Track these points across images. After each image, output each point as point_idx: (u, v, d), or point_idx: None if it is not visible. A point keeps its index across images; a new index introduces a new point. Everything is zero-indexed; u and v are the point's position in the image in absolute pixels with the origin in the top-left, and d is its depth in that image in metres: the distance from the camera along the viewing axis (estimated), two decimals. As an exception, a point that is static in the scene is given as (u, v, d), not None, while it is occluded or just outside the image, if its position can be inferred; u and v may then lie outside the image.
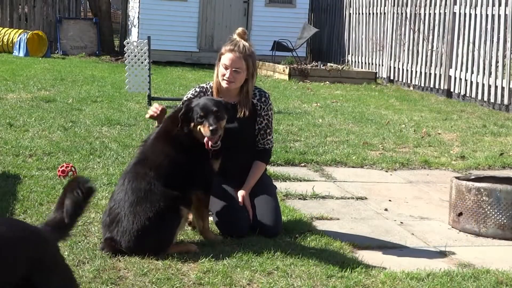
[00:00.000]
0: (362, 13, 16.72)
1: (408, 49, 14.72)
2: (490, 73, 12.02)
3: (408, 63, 14.71)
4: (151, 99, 10.04)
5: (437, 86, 13.63)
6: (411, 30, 14.61)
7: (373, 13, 16.22)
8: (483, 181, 5.18)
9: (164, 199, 4.14)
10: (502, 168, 7.20)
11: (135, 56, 10.08)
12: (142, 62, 10.09)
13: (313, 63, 16.65)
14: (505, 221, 4.91)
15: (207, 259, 4.04)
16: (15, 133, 7.45)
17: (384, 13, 15.70)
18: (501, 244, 4.86)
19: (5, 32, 18.03)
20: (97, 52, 18.99)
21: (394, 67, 15.26)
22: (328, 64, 16.52)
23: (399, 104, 11.98)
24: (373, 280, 3.92)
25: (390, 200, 5.88)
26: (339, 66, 16.14)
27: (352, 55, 17.24)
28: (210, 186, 4.45)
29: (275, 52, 16.47)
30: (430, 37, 13.93)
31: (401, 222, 5.25)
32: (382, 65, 15.71)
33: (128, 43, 10.20)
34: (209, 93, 4.74)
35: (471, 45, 12.59)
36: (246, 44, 4.66)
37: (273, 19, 17.91)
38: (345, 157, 7.22)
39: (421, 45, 14.27)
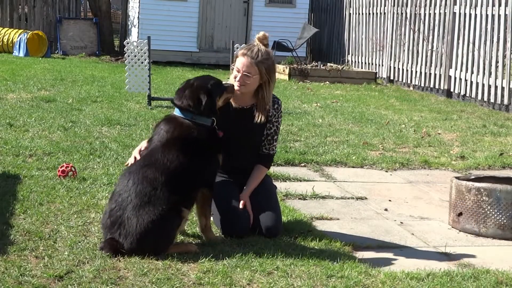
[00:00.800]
0: (362, 13, 16.72)
1: (408, 49, 14.72)
2: (490, 73, 12.02)
3: (408, 63, 14.71)
4: (151, 99, 10.05)
5: (437, 86, 13.63)
6: (411, 30, 14.61)
7: (373, 13, 16.22)
8: (483, 181, 5.18)
9: (167, 203, 4.13)
10: (502, 168, 7.20)
11: (135, 56, 10.08)
12: (142, 62, 10.09)
13: (313, 63, 16.65)
14: (505, 221, 4.91)
15: (207, 259, 4.04)
16: (15, 133, 7.45)
17: (384, 13, 15.70)
18: (501, 244, 4.87)
19: (5, 32, 18.02)
20: (97, 52, 18.99)
21: (394, 67, 15.26)
22: (328, 64, 16.52)
23: (399, 104, 11.98)
24: (373, 280, 3.93)
25: (390, 200, 5.88)
26: (339, 66, 16.14)
27: (352, 55, 17.24)
28: (214, 182, 4.48)
29: (275, 52, 16.40)
30: (430, 37, 13.93)
31: (401, 222, 5.26)
32: (382, 65, 15.71)
33: (128, 43, 10.19)
34: None
35: (471, 45, 12.59)
36: (263, 49, 4.63)
37: (273, 19, 17.90)
38: (345, 157, 7.22)
39: (421, 45, 14.27)
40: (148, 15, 17.49)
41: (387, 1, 15.57)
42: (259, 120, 4.64)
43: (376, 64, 15.99)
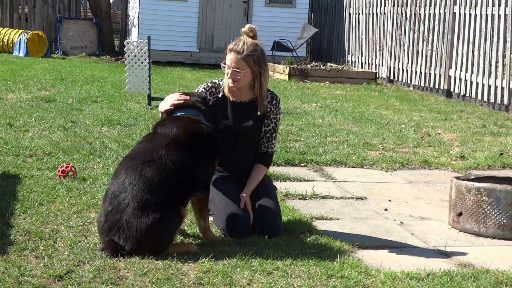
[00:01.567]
0: (362, 13, 16.73)
1: (408, 49, 14.73)
2: (490, 73, 12.02)
3: (408, 63, 14.71)
4: (151, 99, 10.04)
5: (437, 86, 13.63)
6: (411, 30, 14.61)
7: (373, 13, 16.22)
8: (483, 181, 5.19)
9: (166, 203, 4.10)
10: (502, 168, 7.20)
11: (135, 56, 10.08)
12: (142, 62, 10.09)
13: (313, 63, 16.65)
14: (505, 221, 4.91)
15: (207, 259, 4.04)
16: (15, 133, 7.45)
17: (384, 13, 15.70)
18: (501, 244, 4.87)
19: (5, 32, 18.02)
20: (97, 52, 18.98)
21: (394, 67, 15.26)
22: (328, 64, 16.53)
23: (399, 104, 11.98)
24: (373, 280, 3.93)
25: (390, 200, 5.88)
26: (339, 66, 16.14)
27: (352, 55, 17.24)
28: (209, 185, 4.47)
29: (275, 52, 16.47)
30: (430, 37, 13.93)
31: (401, 222, 5.26)
32: (382, 65, 15.71)
33: (128, 43, 10.19)
34: (220, 88, 4.74)
35: (471, 45, 12.59)
36: (249, 42, 4.61)
37: (273, 19, 17.90)
38: (345, 157, 7.22)
39: (421, 45, 14.27)
40: (148, 15, 17.49)
41: (387, 1, 15.57)
42: (259, 112, 4.65)
43: (376, 64, 15.99)
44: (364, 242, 4.65)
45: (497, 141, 8.65)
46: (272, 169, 6.35)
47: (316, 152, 7.39)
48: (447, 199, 5.47)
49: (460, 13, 12.95)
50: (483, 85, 12.16)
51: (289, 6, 18.25)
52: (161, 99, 10.30)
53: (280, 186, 5.83)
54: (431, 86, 13.81)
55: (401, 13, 15.00)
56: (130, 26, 19.00)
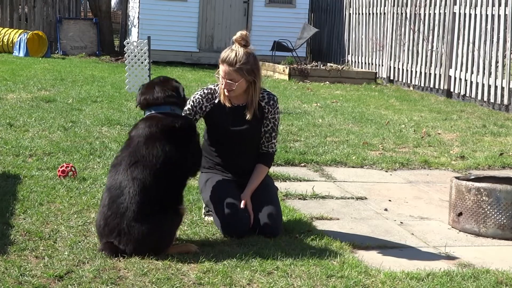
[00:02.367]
0: (362, 13, 16.73)
1: (408, 49, 14.73)
2: (490, 73, 12.02)
3: (408, 63, 14.71)
4: (151, 99, 10.03)
5: (437, 86, 13.63)
6: (411, 30, 14.61)
7: (373, 13, 16.22)
8: (483, 181, 5.19)
9: (164, 202, 4.11)
10: (502, 168, 7.20)
11: (135, 56, 10.08)
12: (142, 62, 10.09)
13: (313, 63, 16.65)
14: (505, 221, 4.91)
15: (207, 259, 4.04)
16: (15, 133, 7.46)
17: (384, 13, 15.70)
18: (501, 244, 4.87)
19: (5, 32, 18.03)
20: (97, 52, 18.99)
21: (394, 67, 15.26)
22: (328, 64, 16.52)
23: (399, 104, 11.98)
24: (373, 280, 3.93)
25: (390, 200, 5.88)
26: (339, 66, 16.14)
27: (352, 55, 17.24)
28: (199, 166, 4.51)
29: (275, 52, 16.47)
30: (430, 37, 13.93)
31: (401, 222, 5.26)
32: (382, 65, 15.72)
33: (128, 43, 10.19)
34: (217, 94, 4.75)
35: (471, 45, 12.59)
36: (240, 53, 4.61)
37: (273, 19, 17.92)
38: (345, 157, 7.22)
39: (421, 45, 14.27)
40: (148, 15, 17.50)
41: (387, 1, 15.57)
42: (249, 117, 4.66)
43: (376, 64, 15.99)
44: (364, 242, 4.65)
45: (497, 141, 8.65)
46: (272, 169, 6.34)
47: (316, 152, 7.39)
48: (447, 199, 5.47)
49: (460, 13, 12.95)
50: (483, 85, 12.16)
51: (289, 6, 18.25)
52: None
53: (280, 186, 5.83)
54: (431, 86, 13.81)
55: (401, 13, 15.00)
56: (130, 26, 19.00)
